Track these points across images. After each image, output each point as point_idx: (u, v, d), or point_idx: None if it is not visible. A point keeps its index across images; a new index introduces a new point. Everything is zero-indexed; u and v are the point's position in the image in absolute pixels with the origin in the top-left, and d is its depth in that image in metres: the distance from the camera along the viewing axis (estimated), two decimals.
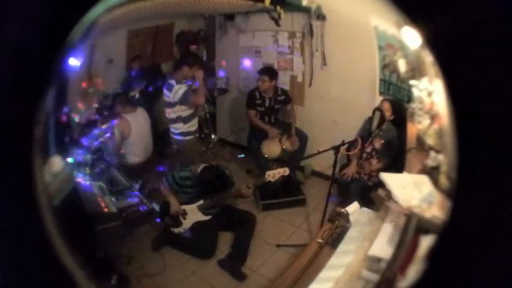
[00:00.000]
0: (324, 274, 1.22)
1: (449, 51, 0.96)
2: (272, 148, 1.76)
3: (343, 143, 1.54)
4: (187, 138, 1.69)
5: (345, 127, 1.62)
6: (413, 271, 0.95)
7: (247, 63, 1.69)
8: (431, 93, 1.05)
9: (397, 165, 1.22)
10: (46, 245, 0.93)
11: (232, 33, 1.68)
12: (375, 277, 1.07)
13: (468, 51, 0.95)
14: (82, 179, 1.23)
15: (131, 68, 1.54)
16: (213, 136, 1.77)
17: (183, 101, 1.62)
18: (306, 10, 1.51)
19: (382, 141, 1.56)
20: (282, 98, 1.71)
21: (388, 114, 1.50)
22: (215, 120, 1.85)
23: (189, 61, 1.64)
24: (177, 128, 1.68)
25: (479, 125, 0.95)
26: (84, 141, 1.29)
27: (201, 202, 1.59)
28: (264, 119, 1.75)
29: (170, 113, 1.65)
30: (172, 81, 1.61)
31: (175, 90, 1.61)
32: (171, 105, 1.63)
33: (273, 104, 1.73)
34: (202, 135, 1.76)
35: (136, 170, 1.57)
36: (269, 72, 1.67)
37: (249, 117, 1.75)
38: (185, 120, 1.67)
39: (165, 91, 1.62)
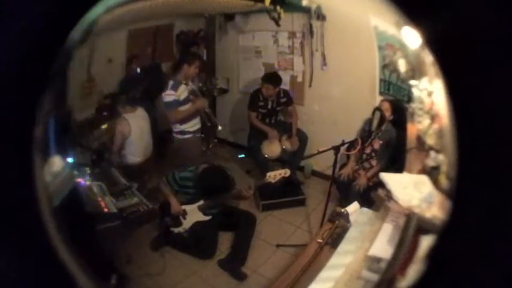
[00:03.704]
0: (324, 274, 1.22)
1: (449, 51, 0.96)
2: (272, 148, 1.75)
3: (343, 143, 1.54)
4: (186, 137, 1.69)
5: (345, 127, 1.62)
6: (413, 271, 0.95)
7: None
8: (431, 93, 1.05)
9: (397, 165, 1.22)
10: (46, 245, 0.93)
11: (232, 33, 1.68)
12: (374, 277, 1.07)
13: (468, 51, 0.95)
14: (82, 179, 1.23)
15: (131, 68, 1.54)
16: (219, 127, 1.75)
17: (165, 107, 1.63)
18: (306, 10, 1.50)
19: (382, 142, 1.56)
20: (284, 100, 1.71)
21: (388, 114, 1.50)
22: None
23: (188, 59, 1.64)
24: (176, 127, 1.68)
25: (479, 125, 0.95)
26: (84, 141, 1.29)
27: (201, 202, 1.59)
28: (265, 120, 1.75)
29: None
30: (170, 82, 1.61)
31: (166, 94, 1.62)
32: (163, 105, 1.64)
33: (275, 105, 1.73)
34: (203, 135, 1.76)
35: (136, 170, 1.57)
36: (273, 79, 1.66)
37: (250, 118, 1.75)
38: (183, 121, 1.67)
39: (163, 91, 1.63)
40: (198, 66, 1.64)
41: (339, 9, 1.44)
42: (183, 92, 1.63)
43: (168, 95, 1.62)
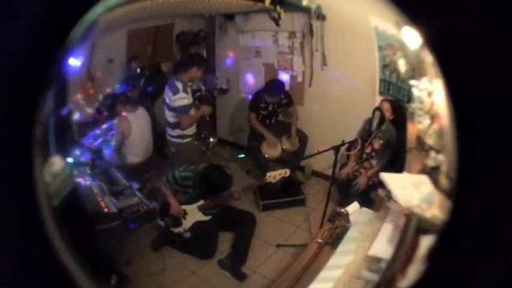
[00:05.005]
0: (324, 274, 1.22)
1: (449, 51, 0.95)
2: (272, 148, 1.76)
3: (343, 143, 1.54)
4: (185, 141, 1.68)
5: (345, 127, 1.62)
6: (413, 271, 0.95)
7: (250, 79, 1.69)
8: (431, 93, 1.05)
9: (397, 165, 1.22)
10: (46, 245, 0.93)
11: (232, 33, 1.68)
12: (375, 277, 1.07)
13: (468, 51, 0.95)
14: (82, 179, 1.23)
15: (131, 67, 1.54)
16: (211, 139, 1.76)
17: (180, 112, 1.61)
18: (306, 10, 1.51)
19: (382, 142, 1.56)
20: (285, 101, 1.72)
21: (388, 114, 1.50)
22: (215, 121, 1.85)
23: (198, 61, 1.63)
24: (174, 131, 1.67)
25: (479, 124, 0.95)
26: (84, 141, 1.29)
27: (201, 202, 1.59)
28: (265, 121, 1.76)
29: (170, 117, 1.64)
30: (179, 84, 1.59)
31: (180, 97, 1.59)
32: (172, 109, 1.62)
33: (276, 107, 1.73)
34: (202, 136, 1.76)
35: (136, 170, 1.57)
36: (276, 90, 1.67)
37: (250, 120, 1.75)
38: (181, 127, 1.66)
39: (169, 92, 1.61)
40: (203, 69, 1.64)
41: (339, 9, 1.44)
42: (190, 94, 1.62)
43: (183, 98, 1.60)
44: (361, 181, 1.59)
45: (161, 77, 1.64)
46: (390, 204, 1.14)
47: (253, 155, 1.75)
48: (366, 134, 1.56)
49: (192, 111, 1.64)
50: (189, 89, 1.61)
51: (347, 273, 1.15)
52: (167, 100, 1.61)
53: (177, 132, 1.65)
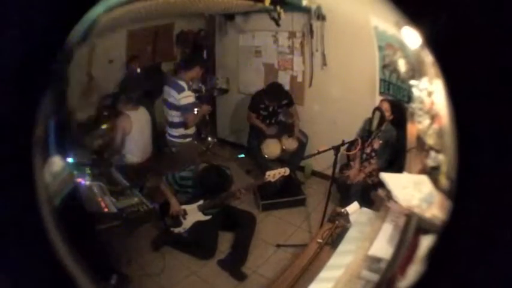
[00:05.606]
0: (324, 274, 1.22)
1: (449, 51, 0.96)
2: (272, 148, 1.75)
3: (343, 143, 1.54)
4: (186, 140, 1.69)
5: (345, 127, 1.61)
6: (413, 271, 0.95)
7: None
8: (431, 93, 1.05)
9: (397, 165, 1.22)
10: (46, 245, 0.93)
11: (232, 33, 1.68)
12: (375, 277, 1.07)
13: (468, 51, 0.95)
14: (82, 179, 1.23)
15: (131, 68, 1.54)
16: (209, 139, 1.76)
17: (186, 109, 1.61)
18: (306, 10, 1.50)
19: (382, 142, 1.56)
20: (286, 101, 1.72)
21: (388, 114, 1.50)
22: (215, 120, 1.85)
23: (200, 61, 1.63)
24: (177, 131, 1.67)
25: (479, 125, 0.95)
26: (84, 141, 1.29)
27: (201, 202, 1.59)
28: (265, 122, 1.76)
29: (173, 116, 1.64)
30: (183, 83, 1.60)
31: (186, 95, 1.60)
32: (177, 108, 1.62)
33: (276, 108, 1.73)
34: (202, 136, 1.76)
35: (136, 170, 1.57)
36: (276, 95, 1.67)
37: (249, 118, 1.75)
38: (187, 125, 1.66)
39: (173, 91, 1.61)
40: (204, 69, 1.65)
41: (339, 9, 1.43)
42: (192, 93, 1.63)
43: (188, 96, 1.60)
44: (359, 177, 1.58)
45: (161, 77, 1.64)
46: (390, 204, 1.14)
47: (253, 155, 1.75)
48: (366, 134, 1.56)
49: (195, 110, 1.64)
50: (191, 88, 1.62)
51: (347, 273, 1.15)
52: (171, 100, 1.61)
53: (179, 131, 1.66)
